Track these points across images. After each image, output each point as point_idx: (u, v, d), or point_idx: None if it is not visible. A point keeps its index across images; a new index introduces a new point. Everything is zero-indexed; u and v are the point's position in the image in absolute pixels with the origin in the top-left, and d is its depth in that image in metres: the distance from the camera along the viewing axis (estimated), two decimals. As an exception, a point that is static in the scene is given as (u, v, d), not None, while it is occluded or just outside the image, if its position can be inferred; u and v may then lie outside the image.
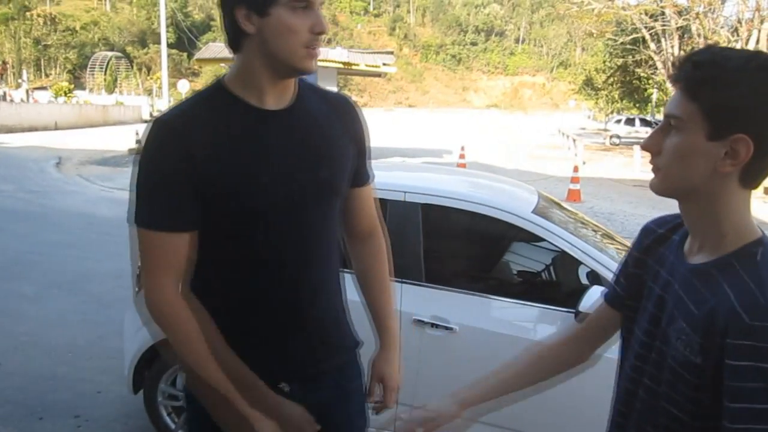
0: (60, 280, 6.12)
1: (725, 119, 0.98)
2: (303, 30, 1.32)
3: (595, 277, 2.76)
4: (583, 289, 2.64)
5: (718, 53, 1.01)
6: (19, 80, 63.84)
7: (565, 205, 3.74)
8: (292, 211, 1.42)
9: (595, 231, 3.36)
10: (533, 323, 2.83)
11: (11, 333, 4.71)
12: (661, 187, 1.08)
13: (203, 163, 1.33)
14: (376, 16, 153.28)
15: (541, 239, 2.87)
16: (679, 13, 22.41)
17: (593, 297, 2.58)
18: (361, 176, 1.61)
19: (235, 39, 1.37)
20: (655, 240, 1.23)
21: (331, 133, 1.48)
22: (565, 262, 2.99)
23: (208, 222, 1.39)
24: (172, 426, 3.20)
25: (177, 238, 1.37)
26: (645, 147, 1.08)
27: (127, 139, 20.94)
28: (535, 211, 2.95)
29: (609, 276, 2.70)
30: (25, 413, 3.58)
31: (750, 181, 1.02)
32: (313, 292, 1.49)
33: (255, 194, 1.38)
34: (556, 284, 3.29)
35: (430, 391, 2.85)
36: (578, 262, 2.81)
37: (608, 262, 2.77)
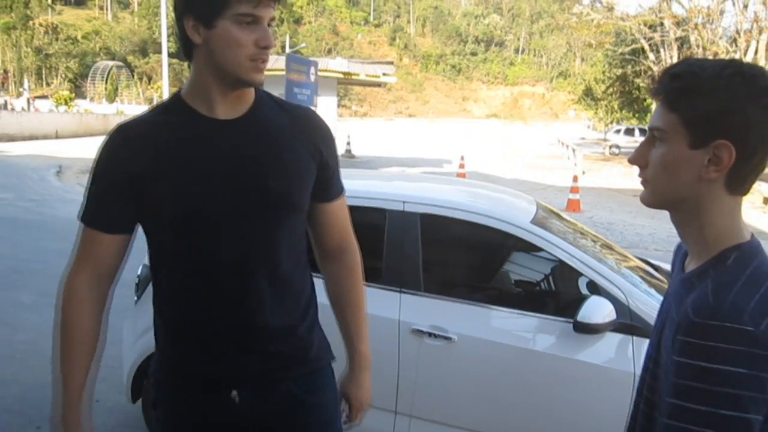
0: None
1: (705, 127, 0.99)
2: (248, 43, 1.34)
3: (594, 287, 2.76)
4: (582, 299, 2.64)
5: (694, 64, 1.03)
6: (20, 89, 64.06)
7: (564, 215, 3.74)
8: (237, 220, 1.41)
9: (594, 241, 3.36)
10: (532, 333, 2.83)
11: (9, 342, 4.71)
12: (651, 199, 1.09)
13: (148, 169, 1.39)
14: (377, 26, 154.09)
15: (540, 249, 2.87)
16: (678, 24, 22.53)
17: (591, 307, 2.58)
18: (328, 191, 1.58)
19: (186, 48, 1.41)
20: (675, 256, 1.26)
21: (286, 144, 1.47)
22: (563, 272, 2.99)
23: (157, 228, 1.45)
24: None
25: (108, 238, 1.45)
26: (632, 161, 1.10)
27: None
28: (533, 221, 2.95)
29: (607, 286, 2.71)
30: (22, 422, 3.57)
31: (737, 187, 1.03)
32: (258, 302, 1.45)
33: (195, 201, 1.39)
34: (555, 294, 3.28)
35: (428, 401, 2.86)
36: (577, 272, 2.80)
37: (607, 272, 2.77)
